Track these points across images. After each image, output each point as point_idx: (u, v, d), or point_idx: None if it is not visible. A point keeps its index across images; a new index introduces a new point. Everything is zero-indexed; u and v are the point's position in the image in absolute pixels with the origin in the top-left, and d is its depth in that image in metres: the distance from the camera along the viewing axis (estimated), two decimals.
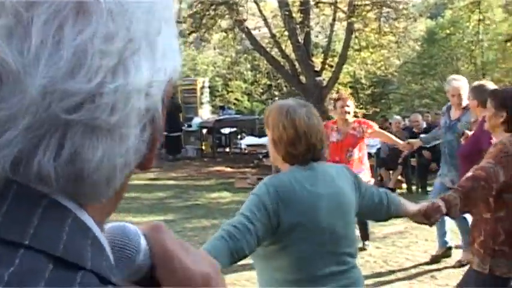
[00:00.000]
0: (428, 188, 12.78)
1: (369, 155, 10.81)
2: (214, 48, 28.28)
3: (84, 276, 0.66)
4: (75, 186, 0.70)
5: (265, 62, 23.76)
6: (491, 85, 5.83)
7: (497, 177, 3.86)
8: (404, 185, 14.25)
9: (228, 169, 18.18)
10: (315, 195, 2.98)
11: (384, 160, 14.27)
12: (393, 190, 13.79)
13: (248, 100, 30.99)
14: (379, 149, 14.66)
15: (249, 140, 16.99)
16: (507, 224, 4.00)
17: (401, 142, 8.91)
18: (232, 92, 30.77)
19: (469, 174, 3.92)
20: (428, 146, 9.25)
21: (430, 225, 3.73)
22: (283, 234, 2.90)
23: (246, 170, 17.93)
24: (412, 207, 3.58)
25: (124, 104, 0.69)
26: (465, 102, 7.20)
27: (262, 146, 16.49)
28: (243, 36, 21.87)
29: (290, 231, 2.91)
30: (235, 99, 30.39)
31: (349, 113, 8.00)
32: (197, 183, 15.94)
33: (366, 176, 8.15)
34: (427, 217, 3.56)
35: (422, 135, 9.39)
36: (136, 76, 0.70)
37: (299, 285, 2.96)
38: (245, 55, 24.75)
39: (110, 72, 0.68)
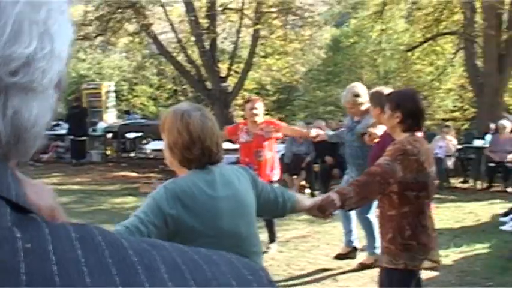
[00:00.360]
0: None
1: None
2: (120, 52, 28.07)
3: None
4: (14, 143, 0.75)
5: (171, 67, 23.76)
6: (387, 90, 5.96)
7: (394, 173, 4.05)
8: (307, 190, 14.46)
9: (133, 174, 18.05)
10: (214, 199, 3.00)
11: (287, 165, 14.44)
12: None
13: (154, 105, 30.82)
14: (282, 155, 14.84)
15: (154, 144, 16.91)
16: (411, 219, 4.21)
17: (310, 132, 8.98)
18: (137, 96, 30.56)
19: (366, 170, 4.15)
20: (331, 141, 9.44)
21: (325, 218, 3.82)
22: (184, 239, 2.84)
23: (151, 175, 17.82)
24: (308, 202, 3.67)
25: (51, 68, 0.76)
26: (364, 106, 7.38)
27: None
28: (150, 40, 21.80)
29: (191, 236, 2.89)
30: (141, 103, 30.17)
31: (257, 115, 8.12)
32: (101, 188, 15.75)
33: (277, 176, 8.40)
34: (321, 210, 3.64)
35: (328, 133, 9.60)
36: (57, 42, 0.76)
37: None
38: (151, 60, 24.66)
39: (40, 39, 0.74)
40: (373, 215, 7.23)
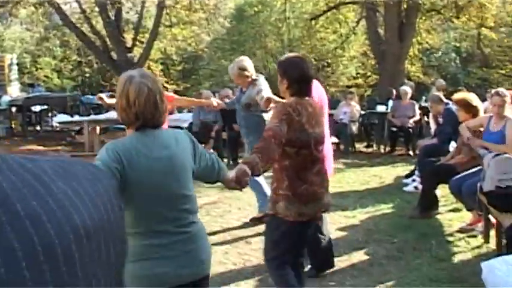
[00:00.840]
0: (239, 160, 13.24)
1: (180, 129, 11.11)
2: (21, 24, 27.41)
3: None
4: None
5: (75, 38, 23.39)
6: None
7: (284, 132, 4.42)
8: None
9: (40, 147, 17.80)
10: (149, 159, 3.24)
11: (195, 134, 14.53)
12: None
13: (58, 77, 30.23)
14: (191, 124, 14.98)
15: (60, 117, 16.73)
16: (290, 172, 4.61)
17: (204, 101, 9.69)
18: (41, 69, 29.90)
19: (262, 136, 4.45)
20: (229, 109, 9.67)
21: (241, 189, 4.08)
22: (124, 190, 3.11)
23: (59, 147, 17.66)
24: (228, 175, 3.91)
25: None
26: (249, 79, 7.94)
27: (74, 123, 16.28)
28: (52, 11, 21.40)
29: (129, 188, 3.16)
30: (45, 76, 29.54)
31: None
32: None
33: None
34: (238, 182, 3.90)
35: (227, 101, 9.94)
36: None
37: (138, 238, 3.23)
38: (54, 31, 24.18)
39: None
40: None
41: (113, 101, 9.18)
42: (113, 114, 16.35)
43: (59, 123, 17.47)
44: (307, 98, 4.72)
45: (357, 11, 24.29)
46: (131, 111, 3.27)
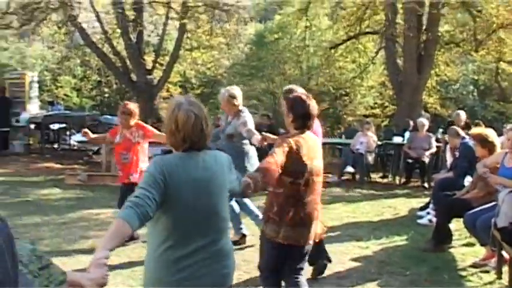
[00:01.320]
0: None
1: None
2: (43, 42, 27.65)
3: None
4: None
5: (95, 58, 23.60)
6: (299, 89, 6.54)
7: (282, 162, 4.86)
8: None
9: (57, 165, 17.93)
10: (190, 178, 3.58)
11: None
12: None
13: (77, 96, 30.46)
14: None
15: (79, 136, 16.82)
16: (281, 200, 5.10)
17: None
18: (61, 87, 30.14)
19: (265, 160, 4.86)
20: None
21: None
22: (168, 204, 3.52)
23: (75, 166, 17.76)
24: None
25: None
26: (237, 108, 8.49)
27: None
28: (74, 31, 21.60)
29: (168, 201, 3.51)
30: (65, 94, 29.78)
31: (125, 118, 8.68)
32: (26, 179, 15.60)
33: (135, 179, 8.65)
34: (243, 194, 4.45)
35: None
36: None
37: (169, 248, 3.58)
38: (75, 50, 24.36)
39: None
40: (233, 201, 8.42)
41: (96, 136, 9.63)
42: None
43: (77, 142, 17.60)
44: (308, 131, 5.23)
45: (376, 41, 24.38)
46: (179, 135, 3.64)
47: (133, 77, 21.35)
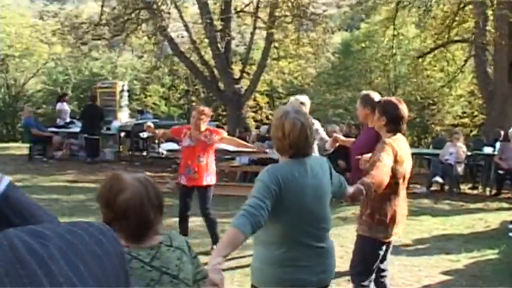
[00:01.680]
0: None
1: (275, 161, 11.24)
2: (132, 51, 28.23)
3: None
4: None
5: (183, 67, 23.94)
6: (375, 95, 6.99)
7: (391, 164, 5.08)
8: None
9: (147, 173, 18.16)
10: (300, 184, 3.84)
11: None
12: None
13: (165, 105, 30.95)
14: None
15: (168, 145, 17.05)
16: (388, 201, 5.29)
17: (251, 146, 11.21)
18: (150, 96, 30.69)
19: (374, 165, 5.02)
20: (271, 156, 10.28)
21: (353, 203, 5.16)
22: (277, 211, 3.74)
23: (164, 174, 18.02)
24: (348, 191, 4.51)
25: None
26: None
27: (181, 151, 16.59)
28: (163, 40, 21.98)
29: (281, 206, 3.76)
30: (153, 103, 30.31)
31: (201, 122, 8.91)
32: None
33: (213, 180, 9.17)
34: (353, 198, 4.56)
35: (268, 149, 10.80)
36: None
37: (282, 247, 3.92)
38: (164, 60, 24.74)
39: None
40: None
41: (159, 131, 10.03)
42: (220, 145, 16.67)
43: (166, 150, 17.79)
44: (399, 134, 5.44)
45: (466, 50, 23.98)
46: (285, 142, 3.90)
47: (221, 86, 21.55)
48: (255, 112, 27.96)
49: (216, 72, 21.60)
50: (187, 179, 9.19)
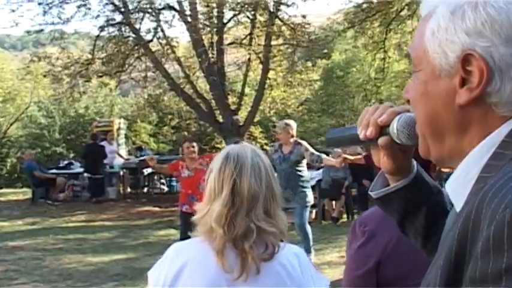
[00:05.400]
0: None
1: (312, 187, 11.42)
2: (115, 89, 28.10)
3: None
4: None
5: (173, 102, 23.95)
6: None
7: None
8: (345, 215, 14.74)
9: (156, 209, 18.09)
10: None
11: (326, 191, 14.73)
12: (337, 220, 14.33)
13: (154, 142, 30.79)
14: (319, 181, 15.11)
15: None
16: None
17: None
18: (138, 134, 30.51)
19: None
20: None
21: None
22: None
23: (175, 209, 17.80)
24: None
25: None
26: (293, 139, 9.99)
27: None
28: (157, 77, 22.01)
29: None
30: (141, 141, 30.11)
31: (194, 152, 9.95)
32: (134, 223, 15.83)
33: None
34: None
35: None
36: None
37: None
38: (149, 97, 24.56)
39: None
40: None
41: (160, 165, 10.86)
42: None
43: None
44: None
45: None
46: None
47: (219, 118, 21.51)
48: (249, 143, 27.67)
49: (213, 104, 21.60)
50: (191, 207, 9.40)
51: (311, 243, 10.24)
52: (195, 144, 10.10)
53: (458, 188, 1.21)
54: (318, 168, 15.08)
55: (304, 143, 10.23)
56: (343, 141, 1.79)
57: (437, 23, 1.23)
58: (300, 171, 10.08)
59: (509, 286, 0.93)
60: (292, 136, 9.94)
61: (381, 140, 1.52)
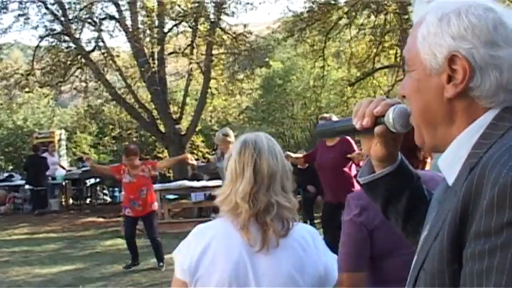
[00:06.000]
0: (315, 221, 13.54)
1: None
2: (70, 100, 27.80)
3: None
4: None
5: (113, 113, 23.85)
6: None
7: None
8: None
9: (100, 219, 17.97)
10: None
11: None
12: None
13: (95, 152, 30.44)
14: None
15: None
16: None
17: (180, 157, 12.54)
18: (79, 145, 30.14)
19: None
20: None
21: None
22: None
23: (119, 219, 17.70)
24: None
25: None
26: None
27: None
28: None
29: None
30: (83, 152, 29.73)
31: (135, 160, 10.20)
32: (79, 234, 15.70)
33: (155, 206, 10.77)
34: None
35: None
36: None
37: None
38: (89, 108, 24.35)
39: None
40: None
41: (99, 165, 10.91)
42: (184, 183, 16.69)
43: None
44: None
45: (389, 75, 24.82)
46: None
47: (161, 128, 21.50)
48: (192, 152, 27.70)
49: (155, 113, 21.61)
50: (133, 211, 10.36)
51: None
52: (134, 149, 10.50)
53: (450, 164, 1.45)
54: None
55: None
56: (336, 132, 2.01)
57: (427, 28, 1.46)
58: None
59: (509, 237, 1.15)
60: (229, 142, 9.95)
61: (378, 129, 1.72)
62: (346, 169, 9.21)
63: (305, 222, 14.33)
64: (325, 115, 10.77)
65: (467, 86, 1.38)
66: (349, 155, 9.19)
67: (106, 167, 11.42)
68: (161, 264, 10.54)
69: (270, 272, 2.59)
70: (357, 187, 8.28)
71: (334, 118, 9.25)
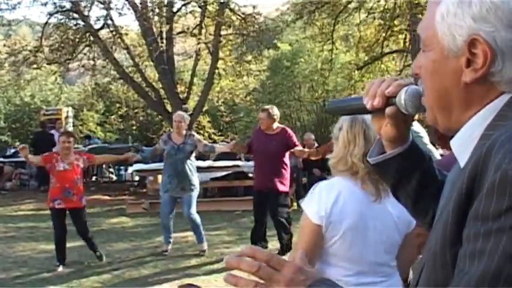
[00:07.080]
0: None
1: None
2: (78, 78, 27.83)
3: None
4: None
5: (120, 91, 23.86)
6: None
7: None
8: (295, 203, 14.89)
9: (105, 197, 18.04)
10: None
11: None
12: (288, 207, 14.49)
13: (101, 131, 30.53)
14: None
15: (137, 165, 16.81)
16: None
17: (121, 156, 12.12)
18: (86, 123, 30.21)
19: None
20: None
21: None
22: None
23: (125, 197, 17.81)
24: None
25: None
26: (184, 130, 10.44)
27: (151, 171, 16.52)
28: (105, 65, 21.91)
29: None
30: (89, 130, 29.81)
31: (70, 147, 9.70)
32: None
33: (84, 201, 10.17)
34: None
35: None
36: None
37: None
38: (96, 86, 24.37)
39: None
40: None
41: (32, 156, 10.47)
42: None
43: (136, 171, 17.67)
44: None
45: (397, 60, 24.79)
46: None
47: (168, 107, 21.49)
48: (198, 132, 27.66)
49: (162, 93, 21.60)
50: (65, 202, 9.67)
51: (203, 232, 10.50)
52: (71, 139, 9.82)
53: (463, 145, 1.42)
54: None
55: (196, 134, 11.17)
56: (347, 111, 2.04)
57: (446, 7, 1.39)
58: (192, 161, 10.56)
59: (506, 224, 1.14)
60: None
61: (389, 110, 1.71)
62: (285, 159, 9.86)
63: None
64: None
65: (488, 71, 1.33)
66: (292, 150, 9.92)
67: (38, 157, 10.61)
68: (98, 253, 10.15)
69: (382, 218, 3.27)
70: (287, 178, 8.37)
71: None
